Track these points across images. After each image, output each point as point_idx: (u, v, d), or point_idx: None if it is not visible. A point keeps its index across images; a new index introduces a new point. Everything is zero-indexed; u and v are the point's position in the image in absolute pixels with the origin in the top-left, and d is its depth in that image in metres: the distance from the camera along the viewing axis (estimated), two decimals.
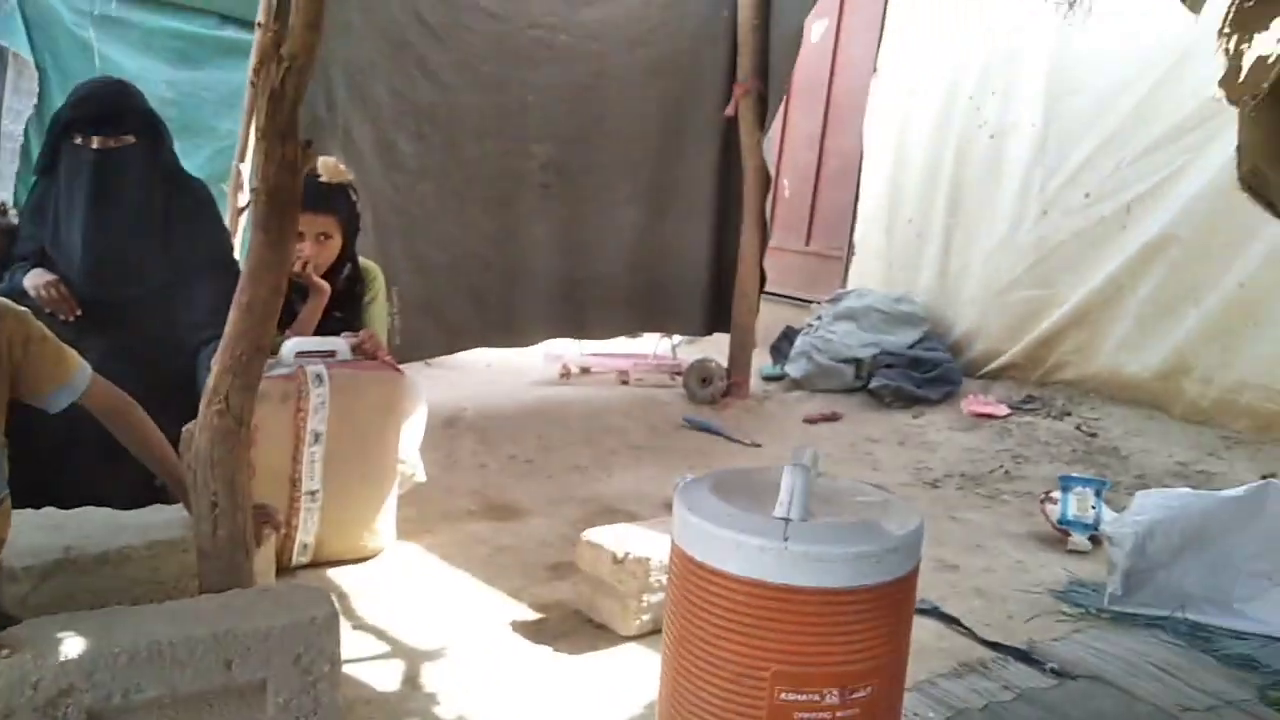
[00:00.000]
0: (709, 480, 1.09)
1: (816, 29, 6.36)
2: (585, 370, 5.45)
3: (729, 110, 4.83)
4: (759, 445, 4.28)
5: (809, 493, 1.04)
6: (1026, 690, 2.15)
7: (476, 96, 4.14)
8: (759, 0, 4.72)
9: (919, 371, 5.06)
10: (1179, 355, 4.43)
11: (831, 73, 6.47)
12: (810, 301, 5.97)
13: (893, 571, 0.99)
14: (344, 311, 2.87)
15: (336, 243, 2.83)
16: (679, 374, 5.23)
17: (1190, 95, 4.25)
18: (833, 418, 4.85)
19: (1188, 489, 2.76)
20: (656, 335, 5.58)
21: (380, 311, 3.01)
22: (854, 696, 1.00)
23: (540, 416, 4.46)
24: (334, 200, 2.82)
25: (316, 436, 2.49)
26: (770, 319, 6.01)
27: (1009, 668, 2.27)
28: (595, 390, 5.10)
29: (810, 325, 5.55)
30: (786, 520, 0.97)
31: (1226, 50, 2.66)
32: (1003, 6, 5.25)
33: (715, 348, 5.27)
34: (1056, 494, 3.28)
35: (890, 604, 1.00)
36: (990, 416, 4.70)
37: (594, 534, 2.38)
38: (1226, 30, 2.64)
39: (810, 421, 4.80)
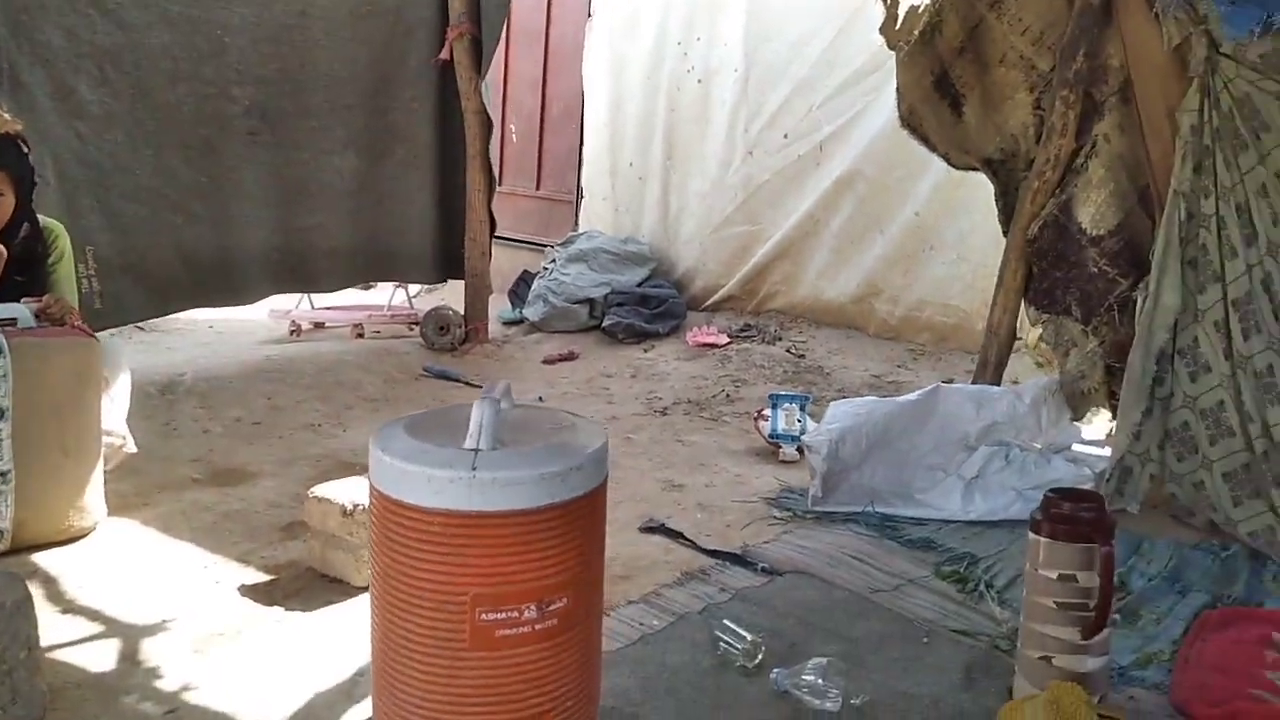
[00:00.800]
0: (404, 421, 1.13)
1: None
2: (318, 326, 5.27)
3: (443, 54, 4.76)
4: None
5: (503, 424, 1.10)
6: (741, 590, 2.34)
7: (166, 36, 3.85)
8: None
9: (648, 308, 5.30)
10: (869, 280, 4.90)
11: (548, 17, 6.49)
12: (545, 245, 6.06)
13: (579, 488, 1.08)
14: (24, 275, 2.62)
15: (9, 200, 2.58)
16: (416, 324, 5.17)
17: (868, 43, 4.63)
18: (570, 357, 4.98)
19: (873, 397, 3.08)
20: (392, 286, 5.48)
21: (67, 273, 2.77)
22: (551, 608, 1.09)
23: (269, 376, 4.28)
24: (1, 154, 2.56)
25: (1, 412, 2.29)
26: (508, 264, 6.05)
27: (726, 571, 2.45)
28: (329, 345, 4.95)
29: (545, 269, 5.64)
30: (476, 450, 1.03)
31: (885, 1, 2.97)
32: None
33: (456, 296, 5.24)
34: (767, 411, 3.56)
35: (579, 518, 1.09)
36: (713, 346, 5.00)
37: (322, 489, 2.36)
38: None
39: (549, 362, 4.91)
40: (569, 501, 1.07)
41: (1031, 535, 1.82)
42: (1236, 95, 2.42)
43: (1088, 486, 2.81)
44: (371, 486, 1.10)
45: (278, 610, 2.21)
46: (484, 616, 1.05)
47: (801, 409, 3.54)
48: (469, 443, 1.05)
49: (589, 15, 6.08)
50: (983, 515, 2.79)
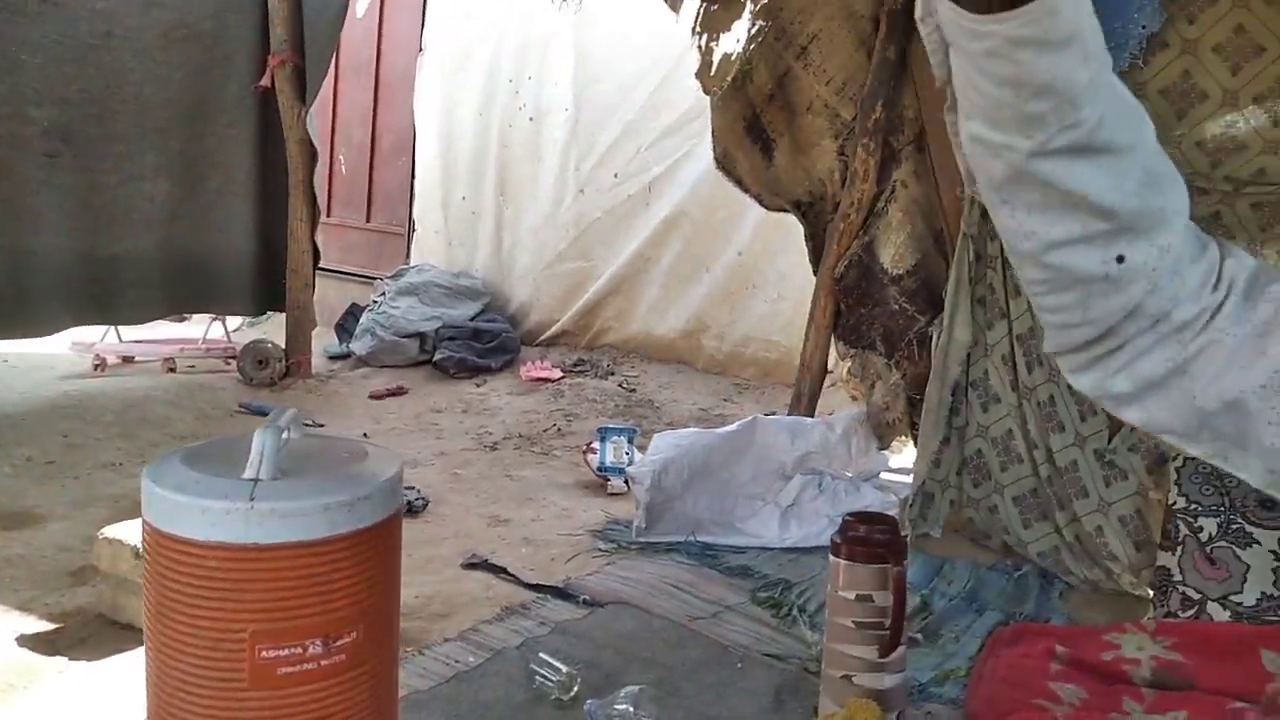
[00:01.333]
0: (180, 453, 1.08)
1: (362, 3, 6.26)
2: (126, 360, 4.97)
3: (263, 82, 4.62)
4: (321, 425, 4.19)
5: (289, 453, 1.07)
6: (561, 623, 2.32)
7: None
8: None
9: (480, 342, 5.26)
10: (697, 316, 5.04)
11: (379, 48, 6.42)
12: (374, 278, 5.93)
13: (368, 519, 1.05)
14: None
15: None
16: (234, 358, 4.95)
17: (691, 88, 4.76)
18: (399, 391, 4.88)
19: (695, 429, 3.16)
20: (209, 318, 5.23)
21: None
22: (339, 643, 1.05)
23: (66, 412, 4.00)
24: None
25: None
26: (336, 296, 5.88)
27: (548, 605, 2.43)
28: (137, 380, 4.68)
29: (374, 302, 5.52)
30: (255, 481, 1.00)
31: (699, 47, 3.08)
32: None
33: (279, 329, 5.05)
34: (596, 444, 3.59)
35: (369, 549, 1.07)
36: (546, 380, 5.01)
37: (114, 530, 2.22)
38: (698, 30, 3.06)
39: (376, 397, 4.79)
40: (357, 532, 1.05)
41: (832, 558, 1.89)
42: None
43: (893, 512, 2.97)
44: (144, 521, 1.05)
45: (60, 660, 2.06)
46: (264, 654, 1.01)
47: (629, 441, 3.59)
48: (248, 472, 1.02)
49: (420, 49, 6.04)
50: (798, 542, 2.88)
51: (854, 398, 3.67)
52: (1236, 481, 0.79)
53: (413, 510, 3.07)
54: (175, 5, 4.29)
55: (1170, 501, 2.40)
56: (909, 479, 3.15)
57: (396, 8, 6.38)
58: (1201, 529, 2.34)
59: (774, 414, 3.85)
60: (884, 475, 3.25)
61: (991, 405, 2.80)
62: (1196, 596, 2.30)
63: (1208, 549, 2.32)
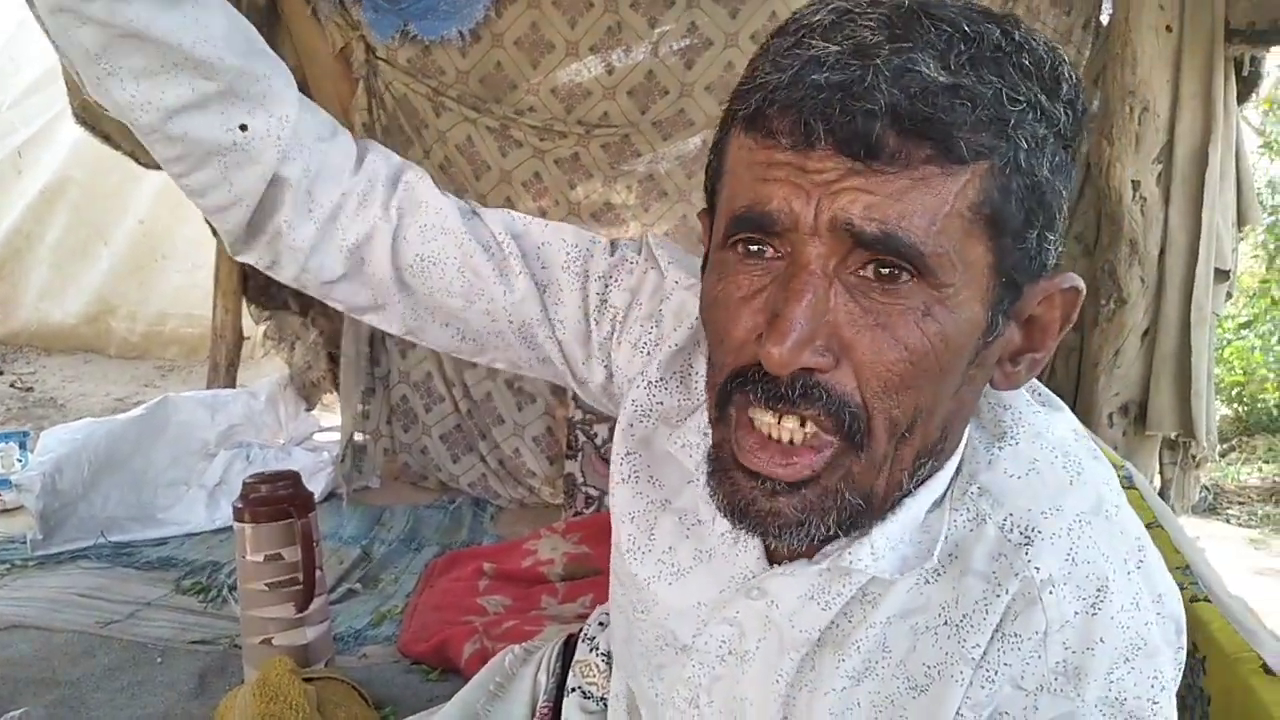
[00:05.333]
0: None
1: None
2: None
3: None
4: None
5: None
6: None
7: None
8: None
9: None
10: (100, 296, 4.49)
11: None
12: None
13: None
14: None
15: None
16: None
17: None
18: None
19: (90, 419, 2.80)
20: None
21: None
22: None
23: None
24: None
25: None
26: None
27: None
28: None
29: None
30: None
31: None
32: None
33: None
34: None
35: None
36: None
37: None
38: None
39: None
40: None
41: (236, 524, 1.81)
42: (397, 95, 2.68)
43: (329, 471, 2.93)
44: None
45: None
46: None
47: (21, 447, 3.09)
48: None
49: None
50: (229, 520, 2.71)
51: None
52: None
53: None
54: None
55: (569, 415, 2.67)
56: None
57: None
58: (595, 434, 2.63)
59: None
60: (317, 437, 3.19)
61: (409, 350, 2.87)
62: (596, 494, 2.59)
63: (601, 450, 2.62)
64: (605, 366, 0.90)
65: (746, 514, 0.67)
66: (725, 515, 0.69)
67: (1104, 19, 2.33)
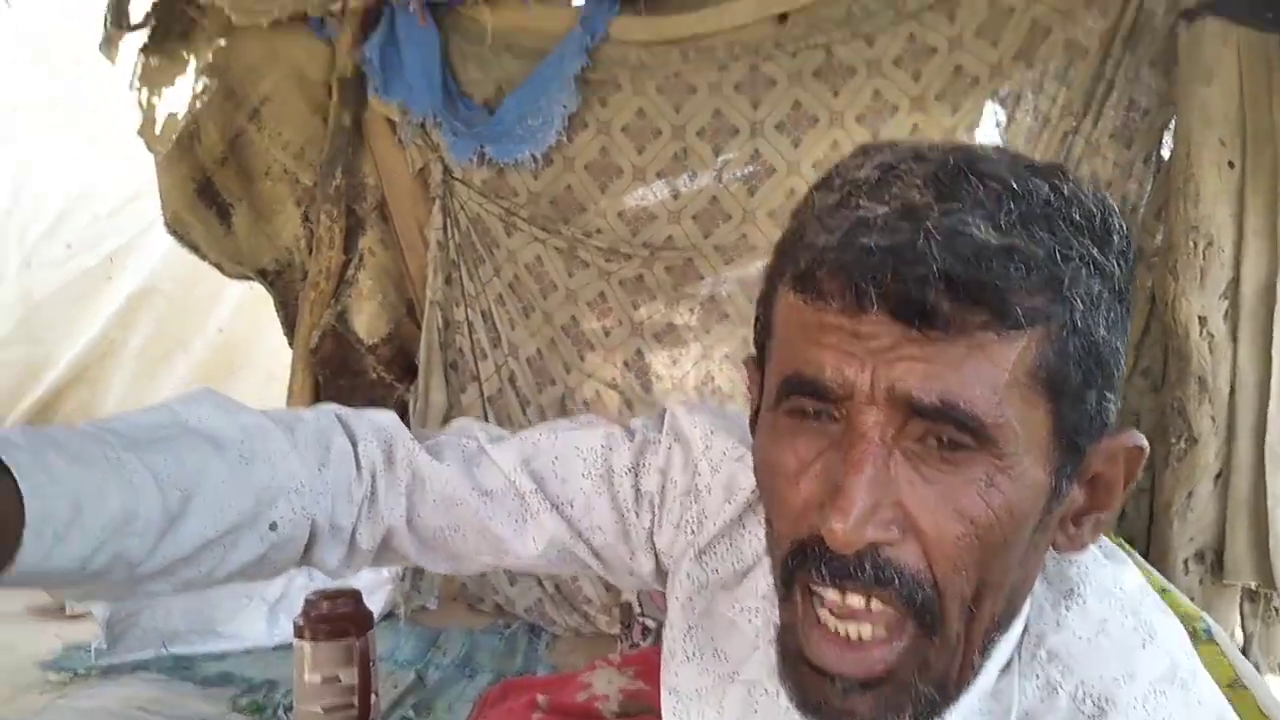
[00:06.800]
0: None
1: None
2: None
3: None
4: None
5: None
6: None
7: None
8: None
9: None
10: None
11: None
12: None
13: None
14: None
15: None
16: None
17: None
18: None
19: None
20: None
21: None
22: None
23: None
24: None
25: None
26: None
27: None
28: None
29: None
30: None
31: (140, 103, 2.86)
32: None
33: None
34: None
35: None
36: None
37: None
38: (137, 84, 2.84)
39: None
40: None
41: (295, 641, 1.80)
42: (471, 215, 2.77)
43: (388, 589, 2.90)
44: None
45: None
46: None
47: None
48: None
49: None
50: (289, 637, 2.70)
51: None
52: None
53: None
54: None
55: None
56: None
57: None
58: None
59: None
60: None
61: None
62: (653, 625, 2.53)
63: None
64: (652, 554, 0.89)
65: (820, 712, 0.65)
66: (798, 710, 0.67)
67: (1164, 153, 2.30)
